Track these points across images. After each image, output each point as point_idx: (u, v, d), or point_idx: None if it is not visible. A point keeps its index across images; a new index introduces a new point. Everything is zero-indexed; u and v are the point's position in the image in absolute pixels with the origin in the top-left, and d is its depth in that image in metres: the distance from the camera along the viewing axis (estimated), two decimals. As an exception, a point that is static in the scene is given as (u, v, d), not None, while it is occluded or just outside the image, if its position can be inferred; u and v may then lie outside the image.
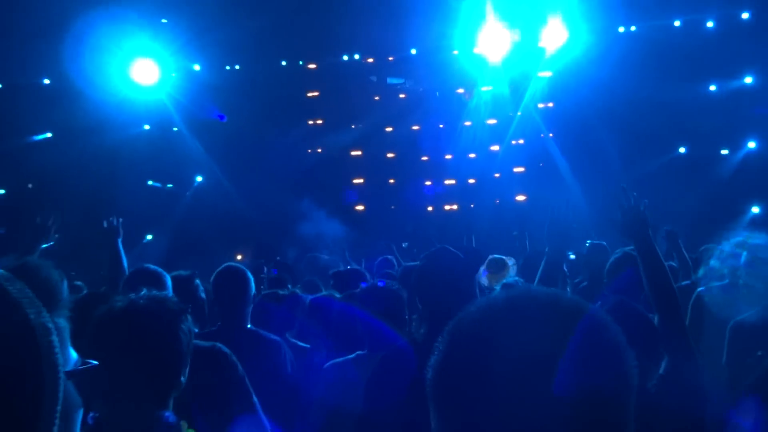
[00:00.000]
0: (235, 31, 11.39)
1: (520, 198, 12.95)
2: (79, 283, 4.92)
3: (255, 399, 2.30)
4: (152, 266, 3.02)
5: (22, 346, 0.64)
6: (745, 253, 3.04)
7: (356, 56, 12.30)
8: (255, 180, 12.21)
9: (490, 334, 0.67)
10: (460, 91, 12.48)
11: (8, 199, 12.35)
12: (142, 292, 1.72)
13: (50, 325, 0.68)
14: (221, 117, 12.03)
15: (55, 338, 0.68)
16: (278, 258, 8.20)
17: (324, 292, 4.00)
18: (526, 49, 10.80)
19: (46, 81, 12.21)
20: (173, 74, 11.42)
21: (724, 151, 12.17)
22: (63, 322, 1.89)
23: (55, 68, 11.59)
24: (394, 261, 6.17)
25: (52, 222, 3.75)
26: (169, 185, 13.63)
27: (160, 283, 2.71)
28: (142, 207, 11.58)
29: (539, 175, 12.56)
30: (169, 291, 2.69)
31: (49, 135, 12.49)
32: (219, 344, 2.36)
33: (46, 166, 11.68)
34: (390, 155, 13.49)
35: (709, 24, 11.51)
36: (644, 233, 2.34)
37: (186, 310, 1.71)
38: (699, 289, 3.73)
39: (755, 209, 11.42)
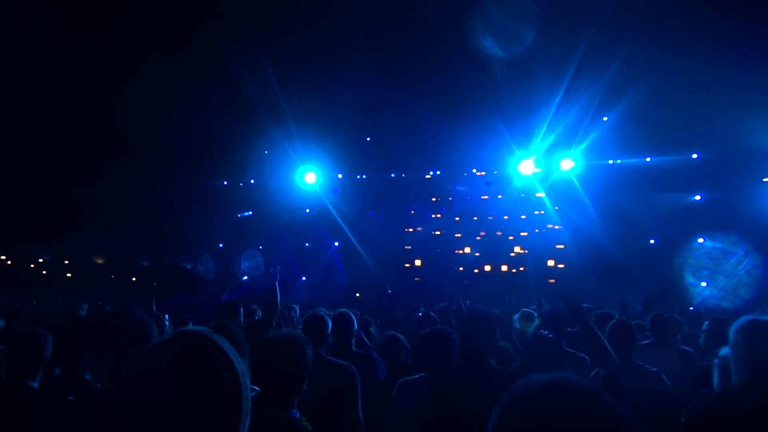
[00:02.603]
0: (363, 154, 17.18)
1: (550, 263, 17.58)
2: (254, 306, 5.97)
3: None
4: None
5: (239, 385, 0.99)
6: None
7: (438, 172, 18.36)
8: (372, 246, 17.51)
9: (526, 409, 0.93)
10: (500, 196, 17.68)
11: (220, 252, 18.10)
12: (284, 330, 2.51)
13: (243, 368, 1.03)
14: (335, 191, 17.24)
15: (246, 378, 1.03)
16: (389, 291, 9.78)
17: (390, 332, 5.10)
18: (548, 171, 15.89)
19: (252, 181, 18.39)
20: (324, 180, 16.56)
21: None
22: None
23: (257, 175, 17.80)
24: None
25: (239, 270, 5.63)
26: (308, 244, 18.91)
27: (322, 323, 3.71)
28: (300, 260, 17.22)
29: (556, 252, 17.45)
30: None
31: (250, 213, 18.39)
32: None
33: (248, 231, 17.57)
34: (457, 235, 18.86)
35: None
36: (581, 316, 3.12)
37: (309, 341, 2.32)
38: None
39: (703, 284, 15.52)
